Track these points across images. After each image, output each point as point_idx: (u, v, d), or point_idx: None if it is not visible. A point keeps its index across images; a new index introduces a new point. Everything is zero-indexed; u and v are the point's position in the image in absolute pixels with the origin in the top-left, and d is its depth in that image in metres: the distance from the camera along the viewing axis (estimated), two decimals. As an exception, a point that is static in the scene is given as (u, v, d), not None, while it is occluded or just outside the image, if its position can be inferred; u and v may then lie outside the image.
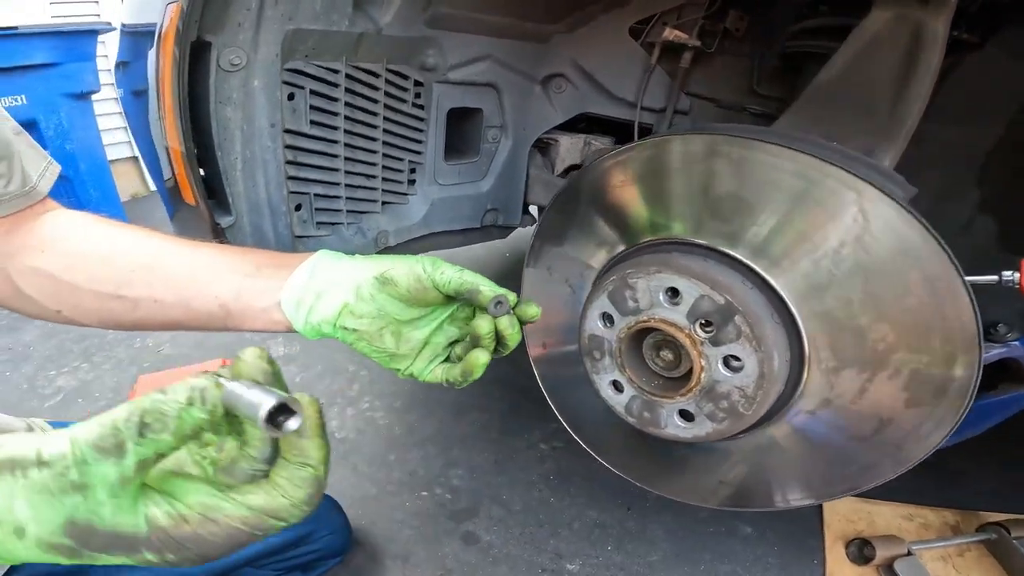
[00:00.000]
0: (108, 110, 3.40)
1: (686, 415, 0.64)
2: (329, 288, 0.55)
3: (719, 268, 0.63)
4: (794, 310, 0.60)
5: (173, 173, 0.83)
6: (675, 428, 0.65)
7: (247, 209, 0.84)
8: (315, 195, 0.93)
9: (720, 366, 0.59)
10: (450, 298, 0.57)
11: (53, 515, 0.29)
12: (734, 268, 0.63)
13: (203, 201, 0.76)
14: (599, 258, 0.77)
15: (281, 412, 0.32)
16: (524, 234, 1.53)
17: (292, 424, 0.32)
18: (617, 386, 0.70)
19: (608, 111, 1.31)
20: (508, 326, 0.53)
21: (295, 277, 0.56)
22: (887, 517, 1.31)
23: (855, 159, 0.63)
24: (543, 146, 1.38)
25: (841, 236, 0.57)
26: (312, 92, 0.86)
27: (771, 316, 0.59)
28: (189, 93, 0.73)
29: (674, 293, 0.63)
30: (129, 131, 3.31)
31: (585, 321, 0.70)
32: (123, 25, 1.03)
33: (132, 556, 0.31)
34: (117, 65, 1.10)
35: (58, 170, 0.67)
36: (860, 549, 1.20)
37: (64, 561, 0.30)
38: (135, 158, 3.82)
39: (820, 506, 1.30)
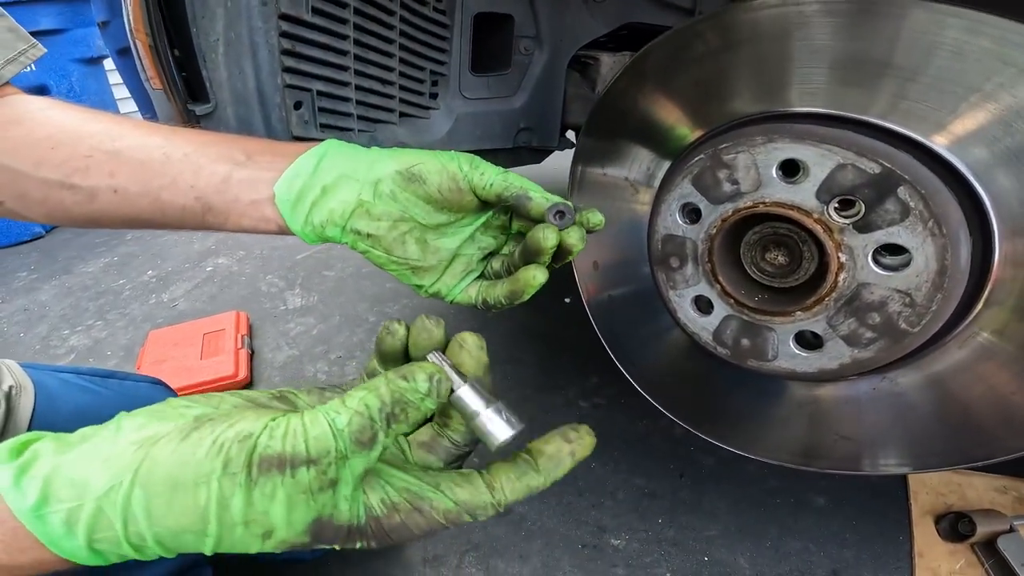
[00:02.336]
0: (123, 74, 3.38)
1: (809, 339, 0.47)
2: (339, 181, 0.45)
3: (858, 136, 0.45)
4: (975, 182, 0.41)
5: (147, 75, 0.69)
6: (790, 359, 0.48)
7: (231, 99, 0.69)
8: (318, 92, 0.77)
9: (870, 262, 0.42)
10: (487, 203, 0.48)
11: (304, 515, 0.28)
12: (880, 139, 0.45)
13: (171, 79, 0.61)
14: (672, 148, 0.60)
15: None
16: (560, 167, 1.35)
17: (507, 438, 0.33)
18: (702, 304, 0.53)
19: (658, 20, 1.12)
20: (578, 240, 0.44)
21: (298, 164, 0.47)
22: (980, 490, 1.14)
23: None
24: (581, 67, 1.21)
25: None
26: None
27: (946, 189, 0.41)
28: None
29: (792, 169, 0.45)
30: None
31: (657, 218, 0.53)
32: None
33: (344, 544, 0.30)
34: (98, 25, 1.01)
35: (38, 54, 0.61)
36: (954, 524, 1.04)
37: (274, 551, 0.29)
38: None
39: (904, 476, 1.13)
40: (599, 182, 0.67)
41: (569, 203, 0.44)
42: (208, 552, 0.29)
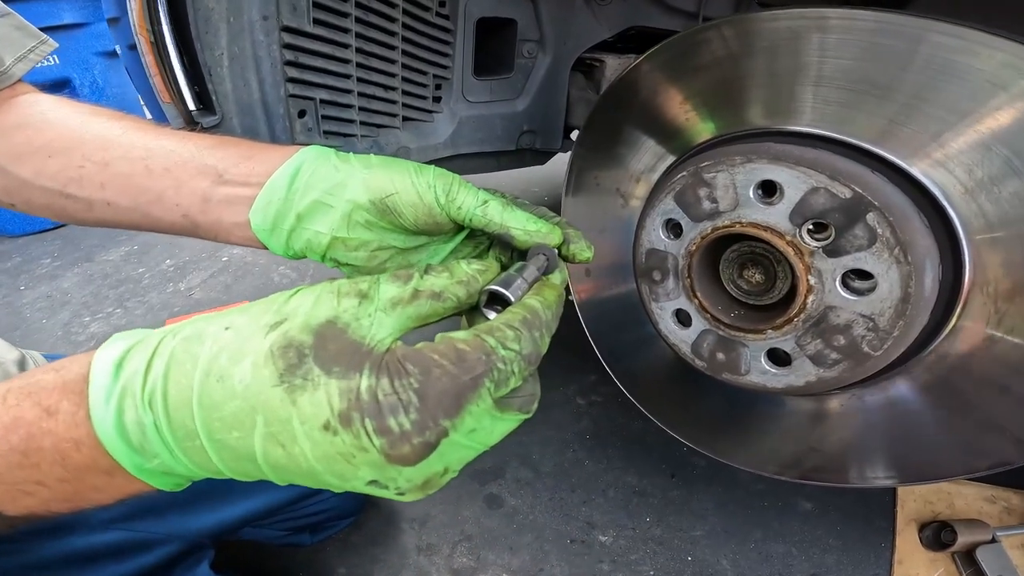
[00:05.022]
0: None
1: (779, 356, 0.48)
2: (313, 209, 0.44)
3: (835, 158, 0.47)
4: (950, 210, 0.43)
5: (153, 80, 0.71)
6: (761, 375, 0.50)
7: (237, 111, 0.71)
8: (321, 101, 0.79)
9: (838, 286, 0.43)
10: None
11: (323, 311, 0.30)
12: (856, 160, 0.46)
13: (177, 91, 0.64)
14: (660, 162, 0.61)
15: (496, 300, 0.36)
16: (562, 169, 1.36)
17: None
18: (683, 317, 0.54)
19: (663, 24, 1.12)
20: (561, 282, 0.42)
21: (271, 185, 0.45)
22: (969, 499, 1.13)
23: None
24: (586, 68, 1.21)
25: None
26: None
27: (917, 216, 0.43)
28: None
29: (769, 190, 0.46)
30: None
31: (642, 232, 0.54)
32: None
33: (348, 378, 0.29)
34: (107, 22, 1.03)
35: (48, 50, 0.62)
36: (937, 533, 1.04)
37: (268, 384, 0.28)
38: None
39: (894, 484, 1.13)
40: (591, 191, 0.69)
41: (553, 235, 0.42)
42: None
